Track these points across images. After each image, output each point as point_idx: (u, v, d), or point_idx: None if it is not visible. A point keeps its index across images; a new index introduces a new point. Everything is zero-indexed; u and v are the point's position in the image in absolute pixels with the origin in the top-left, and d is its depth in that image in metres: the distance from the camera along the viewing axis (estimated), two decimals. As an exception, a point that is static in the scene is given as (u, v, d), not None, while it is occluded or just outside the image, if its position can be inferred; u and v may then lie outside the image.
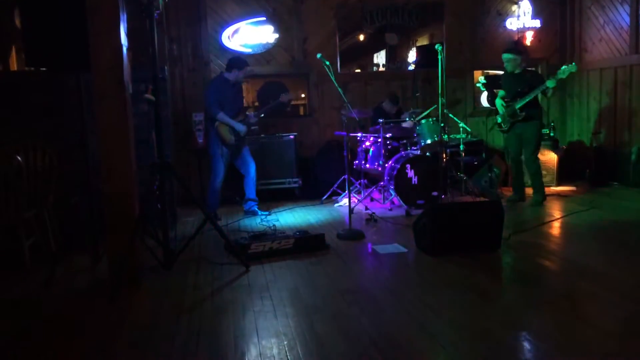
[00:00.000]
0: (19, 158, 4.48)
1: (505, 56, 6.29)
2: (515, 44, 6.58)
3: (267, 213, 6.45)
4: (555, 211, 6.00)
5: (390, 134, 6.61)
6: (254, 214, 6.40)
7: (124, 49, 3.96)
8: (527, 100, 6.09)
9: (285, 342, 2.93)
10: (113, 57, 3.89)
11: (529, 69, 6.28)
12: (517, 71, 6.27)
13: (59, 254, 4.37)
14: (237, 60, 6.35)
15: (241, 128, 6.17)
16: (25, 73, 5.96)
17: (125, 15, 4.01)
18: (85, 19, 3.89)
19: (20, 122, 5.50)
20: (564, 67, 5.99)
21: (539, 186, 6.38)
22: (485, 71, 8.46)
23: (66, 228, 5.05)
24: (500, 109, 6.48)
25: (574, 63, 5.98)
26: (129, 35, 4.15)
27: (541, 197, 6.35)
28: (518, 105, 6.18)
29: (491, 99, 8.36)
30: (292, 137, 7.35)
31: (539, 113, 6.30)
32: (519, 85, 6.21)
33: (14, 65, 6.28)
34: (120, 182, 4.01)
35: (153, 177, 4.21)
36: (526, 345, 2.81)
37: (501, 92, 6.55)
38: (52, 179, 4.82)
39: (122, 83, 3.94)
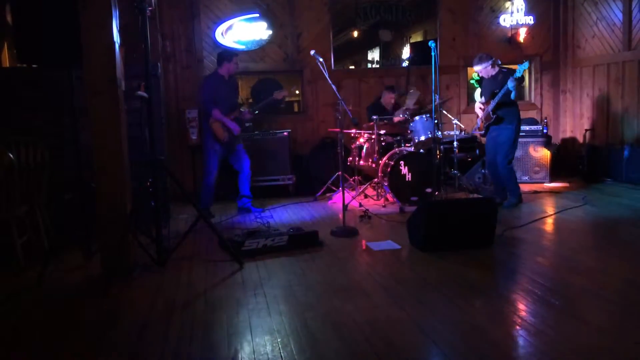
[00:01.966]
0: (11, 155, 4.44)
1: (476, 68, 6.15)
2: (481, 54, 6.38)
3: (260, 210, 6.44)
4: (549, 207, 6.02)
5: (384, 131, 6.62)
6: (248, 210, 6.39)
7: (116, 45, 3.95)
8: (497, 101, 5.91)
9: (278, 340, 2.93)
10: (105, 53, 3.88)
11: (503, 68, 6.13)
12: (492, 74, 6.07)
13: (52, 251, 4.35)
14: (224, 53, 6.38)
15: (235, 128, 6.15)
16: (18, 69, 5.93)
17: (117, 12, 4.00)
18: (77, 15, 3.87)
19: (12, 119, 5.46)
20: (519, 65, 5.73)
21: (512, 189, 6.14)
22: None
23: (59, 225, 5.03)
24: (478, 112, 6.35)
25: (526, 62, 5.79)
26: (121, 32, 4.13)
27: (515, 199, 6.11)
28: (490, 109, 6.03)
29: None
30: (286, 133, 7.34)
31: (513, 115, 6.02)
32: (493, 86, 6.04)
33: (6, 62, 6.23)
34: (112, 179, 4.01)
35: (146, 173, 4.19)
36: (519, 341, 2.83)
37: (482, 98, 6.37)
38: (44, 176, 4.80)
39: (114, 80, 3.93)
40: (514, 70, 5.88)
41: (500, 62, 6.16)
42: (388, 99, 7.29)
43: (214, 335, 3.03)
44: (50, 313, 3.53)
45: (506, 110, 6.02)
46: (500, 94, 5.87)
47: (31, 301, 3.74)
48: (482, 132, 6.32)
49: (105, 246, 4.01)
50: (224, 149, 6.24)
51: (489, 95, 6.14)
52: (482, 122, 6.27)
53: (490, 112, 6.06)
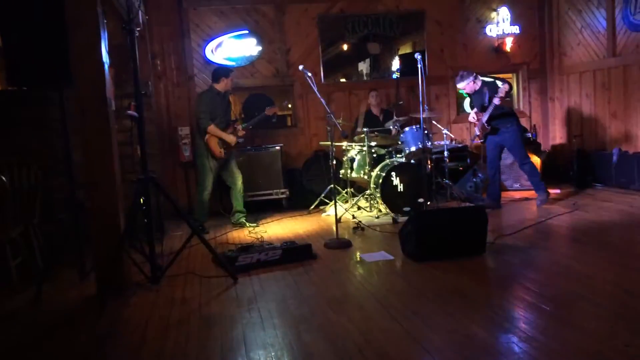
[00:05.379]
0: (3, 177, 4.46)
1: (460, 86, 6.45)
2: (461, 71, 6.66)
3: (254, 224, 6.45)
4: (540, 214, 6.07)
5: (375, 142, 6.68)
6: (242, 225, 6.41)
7: (106, 65, 3.99)
8: (488, 114, 6.20)
9: (272, 353, 2.94)
10: (95, 74, 3.93)
11: (485, 80, 6.38)
12: (477, 88, 6.36)
13: (46, 270, 4.36)
14: (222, 69, 6.44)
15: (232, 139, 6.21)
16: (8, 91, 5.96)
17: (106, 33, 4.04)
18: (66, 37, 3.91)
19: (3, 140, 5.49)
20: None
21: (537, 185, 6.49)
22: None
23: (53, 245, 5.04)
24: (473, 121, 6.59)
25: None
26: (111, 52, 4.18)
27: (545, 195, 6.45)
28: (484, 121, 6.28)
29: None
30: (278, 148, 7.39)
31: (508, 120, 6.30)
32: (482, 99, 6.32)
33: (-3, 84, 6.27)
34: (104, 197, 4.03)
35: (139, 191, 4.21)
36: (512, 348, 2.85)
37: (474, 109, 6.62)
38: (37, 196, 4.82)
39: (104, 99, 3.97)
40: (495, 83, 6.21)
41: (478, 76, 6.36)
42: (372, 100, 7.46)
43: (208, 351, 3.04)
44: (45, 332, 3.53)
45: (499, 119, 6.28)
46: (489, 110, 6.17)
47: (26, 321, 3.75)
48: (482, 140, 6.58)
49: (100, 265, 4.02)
50: (218, 165, 6.27)
51: (480, 107, 6.38)
52: (480, 132, 6.49)
53: (485, 124, 6.30)
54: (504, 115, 6.29)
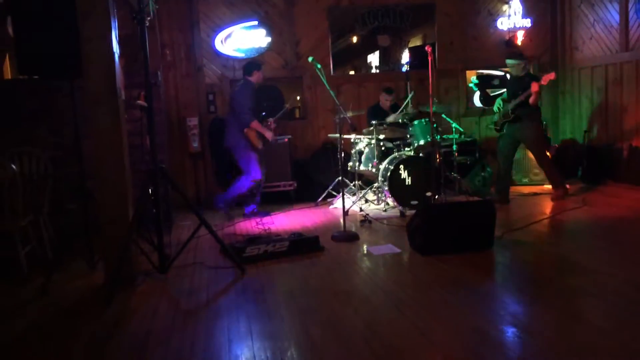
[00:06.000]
0: (13, 166, 4.49)
1: (509, 62, 6.41)
2: (518, 51, 6.70)
3: (264, 214, 6.47)
4: (548, 209, 6.04)
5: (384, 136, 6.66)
6: (255, 215, 6.46)
7: (116, 55, 4.00)
8: (517, 101, 6.16)
9: (279, 344, 2.96)
10: (105, 64, 3.94)
11: (532, 72, 6.39)
12: (520, 75, 6.33)
13: (56, 260, 4.39)
14: (254, 63, 6.54)
15: (270, 135, 6.36)
16: (20, 80, 5.99)
17: (116, 23, 4.05)
18: (77, 26, 3.92)
19: (14, 130, 5.52)
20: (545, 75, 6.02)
21: (554, 181, 6.49)
22: (478, 71, 8.50)
23: (62, 234, 5.08)
24: (496, 109, 6.58)
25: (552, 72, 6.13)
26: (121, 42, 4.19)
27: (561, 192, 6.44)
28: (510, 107, 6.28)
29: (483, 98, 8.43)
30: (286, 139, 7.38)
31: (533, 115, 6.28)
32: (518, 87, 6.26)
33: (8, 74, 6.30)
34: (114, 188, 4.05)
35: (148, 182, 4.23)
36: (518, 342, 2.85)
37: (504, 95, 6.60)
38: (47, 186, 4.85)
39: (114, 90, 3.98)
40: (537, 76, 6.26)
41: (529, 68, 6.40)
42: (383, 100, 7.37)
43: (215, 342, 3.06)
44: (54, 321, 3.56)
45: (526, 109, 6.22)
46: (524, 95, 6.12)
47: (36, 310, 3.78)
48: (498, 128, 6.56)
49: (108, 255, 4.05)
50: (259, 156, 6.38)
51: (511, 94, 6.37)
52: (501, 119, 6.51)
53: (509, 111, 6.28)
54: (530, 109, 6.21)
